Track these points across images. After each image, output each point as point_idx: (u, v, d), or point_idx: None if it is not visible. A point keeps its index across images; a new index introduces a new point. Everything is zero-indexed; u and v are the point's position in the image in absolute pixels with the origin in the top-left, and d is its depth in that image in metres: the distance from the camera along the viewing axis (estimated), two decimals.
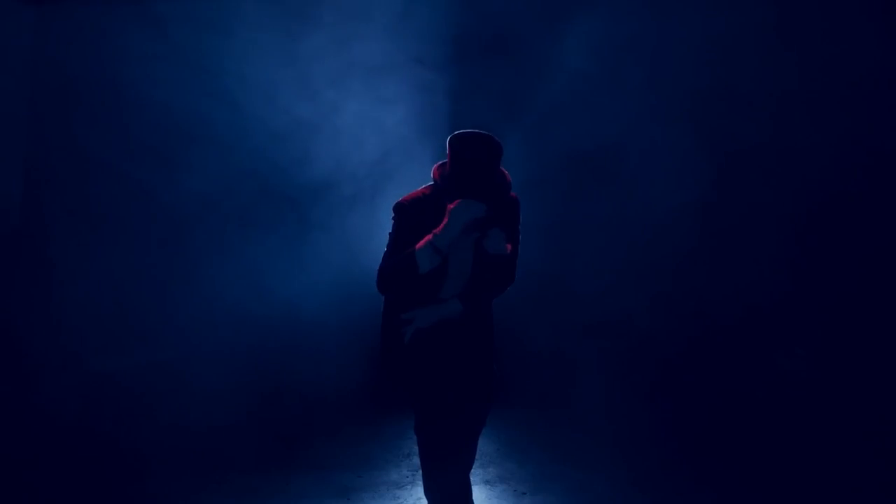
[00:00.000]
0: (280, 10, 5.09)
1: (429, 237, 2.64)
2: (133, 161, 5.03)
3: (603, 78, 5.12)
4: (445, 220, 2.63)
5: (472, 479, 3.23)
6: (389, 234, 2.79)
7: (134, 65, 5.06)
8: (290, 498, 3.73)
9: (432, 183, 2.80)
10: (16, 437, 4.33)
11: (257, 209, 5.18)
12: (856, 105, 4.91)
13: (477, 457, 3.22)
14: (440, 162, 2.83)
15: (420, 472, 3.76)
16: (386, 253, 2.79)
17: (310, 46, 5.06)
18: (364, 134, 5.14)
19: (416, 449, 4.23)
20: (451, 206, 2.63)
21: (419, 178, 3.01)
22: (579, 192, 5.30)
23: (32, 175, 5.10)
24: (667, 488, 3.81)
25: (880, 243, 4.86)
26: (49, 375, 4.79)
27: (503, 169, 2.82)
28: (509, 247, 2.77)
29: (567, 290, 5.20)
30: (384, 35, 5.09)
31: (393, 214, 2.77)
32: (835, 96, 4.96)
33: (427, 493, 2.88)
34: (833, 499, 3.67)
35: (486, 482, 3.88)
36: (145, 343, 4.98)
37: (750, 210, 5.14)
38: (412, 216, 2.71)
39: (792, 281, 4.98)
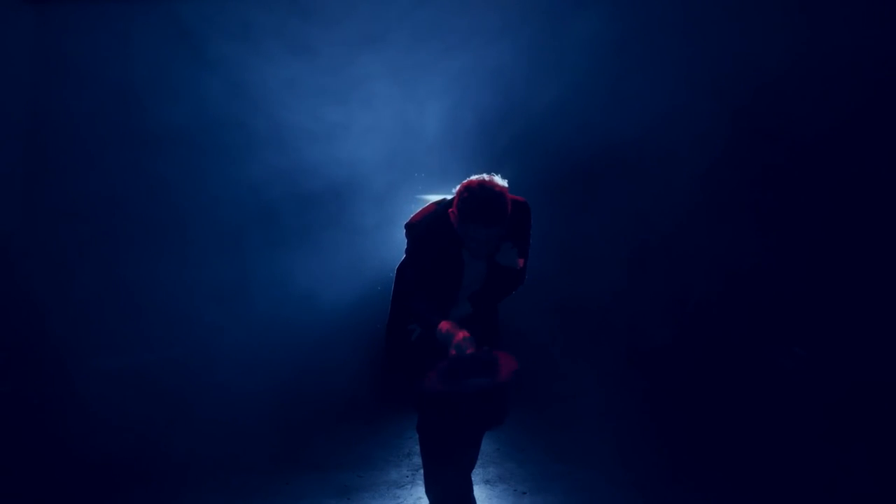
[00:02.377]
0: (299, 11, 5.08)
1: (446, 327, 2.55)
2: (140, 161, 5.03)
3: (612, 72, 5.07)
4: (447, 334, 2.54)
5: (472, 478, 3.22)
6: (406, 250, 2.78)
7: (138, 63, 5.05)
8: (290, 498, 3.73)
9: (442, 198, 2.77)
10: (18, 435, 4.33)
11: (278, 209, 5.16)
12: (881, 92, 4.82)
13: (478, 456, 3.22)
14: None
15: (420, 471, 3.76)
16: (402, 267, 2.80)
17: (331, 50, 5.06)
18: (384, 134, 5.13)
19: (416, 448, 4.23)
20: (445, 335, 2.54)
21: (437, 175, 2.98)
22: (581, 190, 5.28)
23: (34, 176, 5.09)
24: (668, 488, 3.81)
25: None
26: (51, 373, 4.78)
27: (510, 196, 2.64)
28: (521, 262, 2.76)
29: (568, 289, 5.19)
30: (406, 37, 5.08)
31: (405, 233, 2.76)
32: (857, 83, 4.88)
33: (428, 493, 2.89)
34: (834, 498, 3.67)
35: (486, 482, 3.88)
36: (148, 342, 4.98)
37: (758, 207, 5.09)
38: (424, 235, 2.70)
39: (801, 280, 4.95)
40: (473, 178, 2.56)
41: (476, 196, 2.50)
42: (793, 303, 4.99)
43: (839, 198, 4.96)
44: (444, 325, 2.56)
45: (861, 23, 4.85)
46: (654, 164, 5.13)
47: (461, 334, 2.50)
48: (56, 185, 5.11)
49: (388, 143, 5.11)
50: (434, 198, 2.93)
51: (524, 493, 3.77)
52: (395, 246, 2.92)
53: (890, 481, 3.81)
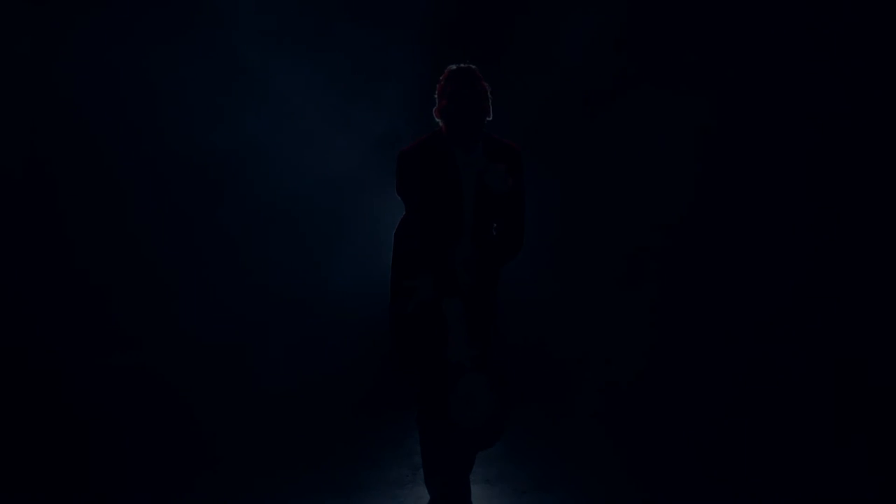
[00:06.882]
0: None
1: None
2: (145, 159, 5.04)
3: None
4: None
5: (472, 477, 3.23)
6: (397, 183, 2.80)
7: (143, 62, 5.05)
8: (289, 498, 3.73)
9: (435, 131, 2.79)
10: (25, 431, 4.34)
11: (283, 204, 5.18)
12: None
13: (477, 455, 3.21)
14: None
15: (420, 470, 3.76)
16: (400, 230, 2.83)
17: (335, 55, 5.09)
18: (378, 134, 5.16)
19: (416, 448, 4.21)
20: None
21: None
22: (579, 180, 5.25)
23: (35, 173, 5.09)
24: (668, 489, 3.81)
25: None
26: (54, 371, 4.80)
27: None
28: (511, 182, 2.72)
29: (568, 285, 5.18)
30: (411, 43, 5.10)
31: (397, 163, 2.79)
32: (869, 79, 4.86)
33: (427, 484, 2.90)
34: (837, 499, 3.66)
35: (486, 481, 3.88)
36: (144, 341, 4.98)
37: (762, 196, 5.06)
38: (416, 163, 2.73)
39: (806, 278, 4.92)
40: None
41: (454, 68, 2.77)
42: (805, 303, 4.94)
43: (859, 193, 4.89)
44: None
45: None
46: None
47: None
48: (59, 183, 5.12)
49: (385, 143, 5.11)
50: None
51: (524, 492, 3.77)
52: None
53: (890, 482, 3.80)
